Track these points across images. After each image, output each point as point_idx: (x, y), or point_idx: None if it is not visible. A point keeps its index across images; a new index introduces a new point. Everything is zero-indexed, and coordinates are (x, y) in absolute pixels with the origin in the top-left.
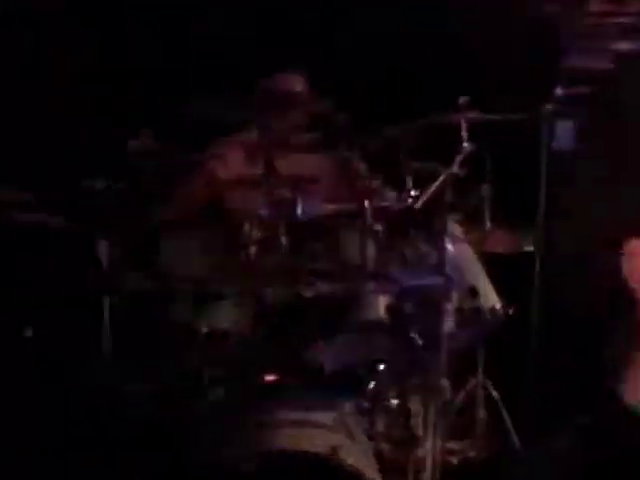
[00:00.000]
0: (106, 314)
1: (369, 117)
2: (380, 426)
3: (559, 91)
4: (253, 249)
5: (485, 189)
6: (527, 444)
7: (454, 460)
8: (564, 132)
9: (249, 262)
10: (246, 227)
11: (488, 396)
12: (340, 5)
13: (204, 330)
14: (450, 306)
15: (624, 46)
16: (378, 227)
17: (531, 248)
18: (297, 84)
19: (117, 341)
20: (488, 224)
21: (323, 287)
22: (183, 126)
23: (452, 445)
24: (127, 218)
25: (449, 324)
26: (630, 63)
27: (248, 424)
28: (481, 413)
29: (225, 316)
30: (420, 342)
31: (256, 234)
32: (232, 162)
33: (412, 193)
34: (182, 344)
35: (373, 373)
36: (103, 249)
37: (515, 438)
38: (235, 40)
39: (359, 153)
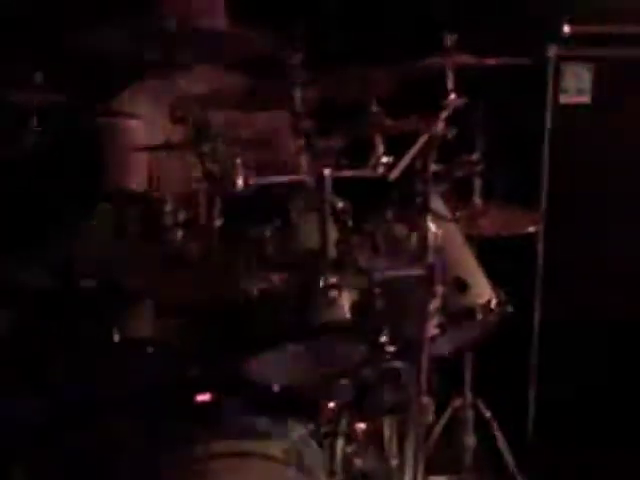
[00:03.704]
0: None
1: (327, 58)
2: (343, 457)
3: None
4: (179, 234)
5: (477, 155)
6: (529, 476)
7: None
8: (575, 81)
9: (174, 252)
10: (169, 206)
11: (479, 417)
12: None
13: (116, 339)
14: (432, 303)
15: None
16: (341, 204)
17: (534, 229)
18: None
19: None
20: (480, 200)
21: (270, 282)
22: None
23: None
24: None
25: (431, 326)
26: None
27: (173, 459)
28: (470, 439)
29: (144, 321)
30: (393, 349)
31: (182, 215)
32: (146, 119)
33: (384, 160)
34: (87, 356)
35: (333, 390)
36: None
37: (514, 469)
38: None
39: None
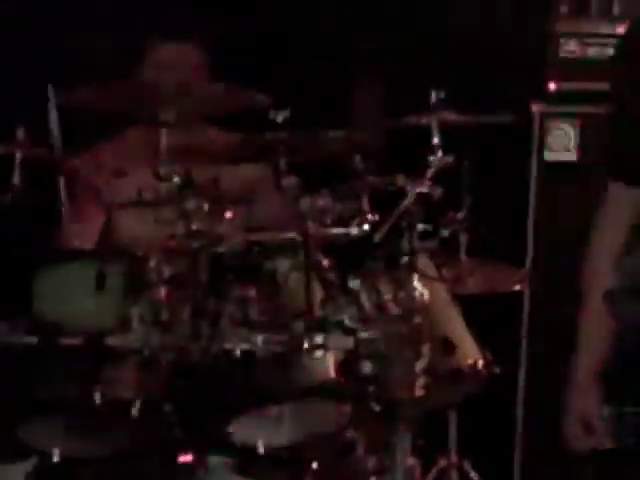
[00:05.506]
0: None
1: (313, 116)
2: None
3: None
4: (162, 291)
5: (462, 213)
6: None
7: None
8: (560, 139)
9: (158, 308)
10: (153, 262)
11: (464, 478)
12: None
13: (97, 400)
14: (419, 364)
15: None
16: (327, 262)
17: (519, 288)
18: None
19: None
20: (466, 258)
21: (255, 342)
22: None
23: None
24: None
25: (417, 387)
26: None
27: None
28: None
29: (127, 380)
30: (378, 409)
31: (166, 271)
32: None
33: (369, 217)
34: (67, 418)
35: (318, 450)
36: None
37: None
38: None
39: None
